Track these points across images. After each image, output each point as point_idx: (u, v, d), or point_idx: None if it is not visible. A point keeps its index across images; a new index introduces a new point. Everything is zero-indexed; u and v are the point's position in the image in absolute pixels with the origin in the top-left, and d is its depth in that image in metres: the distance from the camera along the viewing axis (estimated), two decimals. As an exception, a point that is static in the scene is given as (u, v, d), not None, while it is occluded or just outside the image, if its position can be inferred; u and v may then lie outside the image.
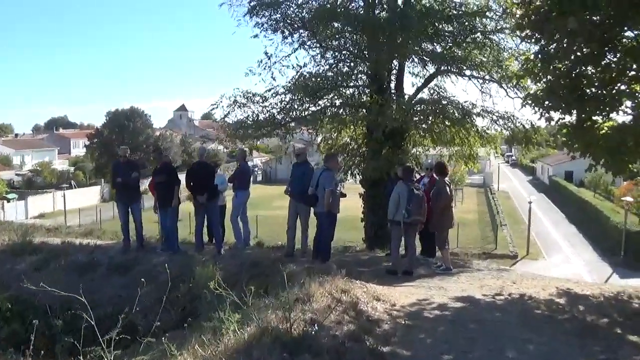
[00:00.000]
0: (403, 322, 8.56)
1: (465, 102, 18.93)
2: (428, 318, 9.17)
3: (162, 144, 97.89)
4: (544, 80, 12.80)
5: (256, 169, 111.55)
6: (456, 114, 18.35)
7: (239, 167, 17.03)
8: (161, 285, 12.44)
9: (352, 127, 20.51)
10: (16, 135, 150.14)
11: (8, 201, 67.70)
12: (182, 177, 15.48)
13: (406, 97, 19.29)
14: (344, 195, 14.39)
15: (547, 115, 12.57)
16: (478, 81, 19.83)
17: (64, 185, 72.23)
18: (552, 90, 12.23)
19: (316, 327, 7.21)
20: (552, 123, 12.84)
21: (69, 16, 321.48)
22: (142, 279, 13.46)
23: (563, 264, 44.76)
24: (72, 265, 14.82)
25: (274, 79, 19.86)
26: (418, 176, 15.92)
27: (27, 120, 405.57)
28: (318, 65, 19.86)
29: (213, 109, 20.50)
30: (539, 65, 12.57)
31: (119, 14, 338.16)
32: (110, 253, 15.60)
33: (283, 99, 19.64)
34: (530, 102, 12.76)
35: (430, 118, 18.67)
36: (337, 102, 19.89)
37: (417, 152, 20.96)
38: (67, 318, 12.12)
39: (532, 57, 13.12)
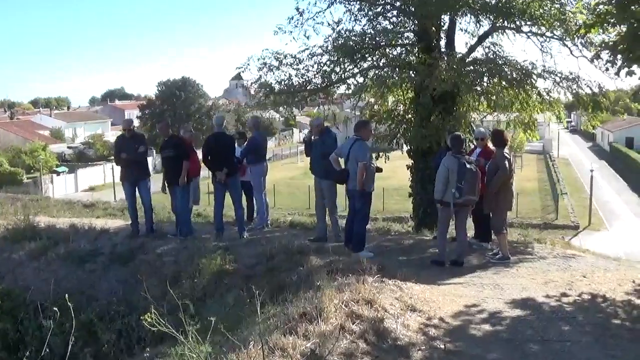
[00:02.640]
0: (442, 347, 6.45)
1: (524, 61, 16.51)
2: (476, 337, 7.01)
3: (214, 113, 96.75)
4: (622, 27, 10.54)
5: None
6: (515, 75, 15.96)
7: (251, 137, 14.94)
8: (163, 279, 10.89)
9: (398, 90, 18.21)
10: (68, 107, 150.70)
11: (58, 174, 67.24)
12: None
13: (458, 56, 16.79)
14: (380, 170, 12.26)
15: (626, 68, 10.33)
16: (538, 39, 17.28)
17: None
18: (634, 37, 9.95)
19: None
20: (635, 77, 10.59)
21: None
22: (144, 272, 12.11)
23: (626, 235, 42.19)
24: (72, 254, 13.13)
25: (307, 37, 17.73)
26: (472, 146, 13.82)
27: (84, 93, 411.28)
28: (356, 20, 17.59)
29: (239, 72, 18.29)
30: (614, 11, 10.31)
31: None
32: (115, 239, 13.80)
33: (320, 60, 17.50)
34: (605, 52, 10.50)
35: (485, 79, 16.27)
36: (381, 63, 17.63)
37: (472, 119, 18.48)
38: (57, 318, 10.76)
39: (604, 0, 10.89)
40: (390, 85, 16.91)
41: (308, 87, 17.85)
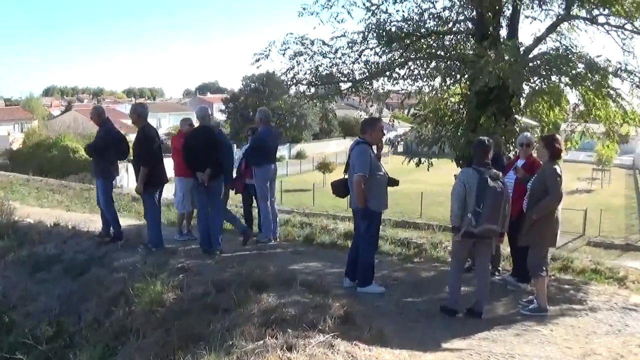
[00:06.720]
0: None
1: (597, 57, 13.45)
2: None
3: (298, 110, 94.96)
4: None
5: (399, 139, 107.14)
6: (589, 75, 12.85)
7: (256, 133, 12.59)
8: (103, 301, 9.14)
9: (453, 85, 15.46)
10: (154, 98, 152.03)
11: (134, 165, 66.77)
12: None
13: (511, 47, 13.76)
14: (396, 183, 9.49)
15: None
16: (618, 34, 14.28)
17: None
18: None
19: None
20: None
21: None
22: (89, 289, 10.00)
23: None
24: (30, 259, 11.42)
25: (339, 22, 14.97)
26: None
27: (180, 85, 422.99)
28: (396, 2, 14.85)
29: (258, 59, 15.78)
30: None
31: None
32: (83, 245, 11.70)
33: (360, 49, 14.91)
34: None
35: (543, 72, 13.12)
36: (426, 54, 14.90)
37: (538, 121, 15.44)
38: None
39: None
40: (428, 77, 14.50)
41: (349, 79, 15.48)
